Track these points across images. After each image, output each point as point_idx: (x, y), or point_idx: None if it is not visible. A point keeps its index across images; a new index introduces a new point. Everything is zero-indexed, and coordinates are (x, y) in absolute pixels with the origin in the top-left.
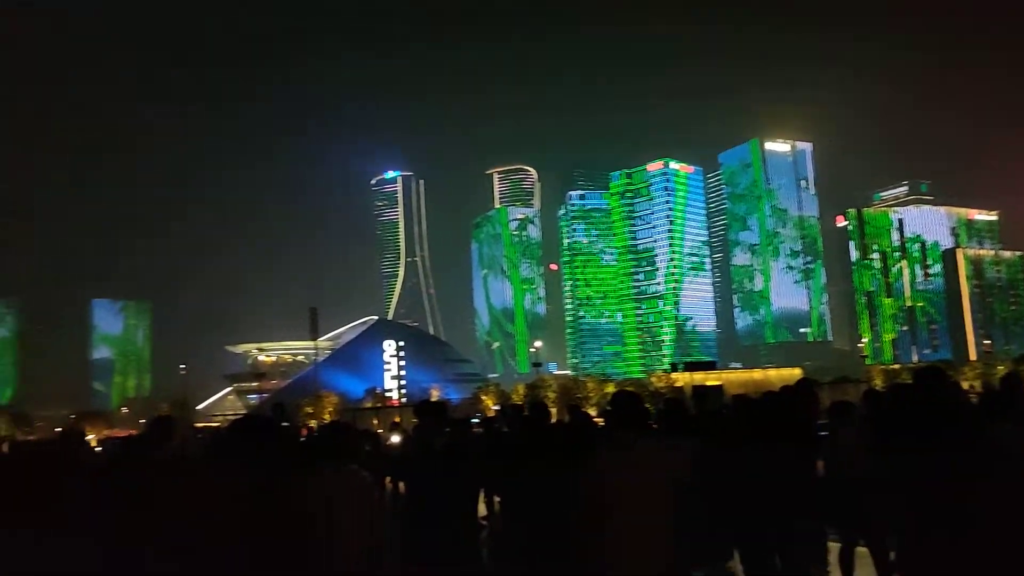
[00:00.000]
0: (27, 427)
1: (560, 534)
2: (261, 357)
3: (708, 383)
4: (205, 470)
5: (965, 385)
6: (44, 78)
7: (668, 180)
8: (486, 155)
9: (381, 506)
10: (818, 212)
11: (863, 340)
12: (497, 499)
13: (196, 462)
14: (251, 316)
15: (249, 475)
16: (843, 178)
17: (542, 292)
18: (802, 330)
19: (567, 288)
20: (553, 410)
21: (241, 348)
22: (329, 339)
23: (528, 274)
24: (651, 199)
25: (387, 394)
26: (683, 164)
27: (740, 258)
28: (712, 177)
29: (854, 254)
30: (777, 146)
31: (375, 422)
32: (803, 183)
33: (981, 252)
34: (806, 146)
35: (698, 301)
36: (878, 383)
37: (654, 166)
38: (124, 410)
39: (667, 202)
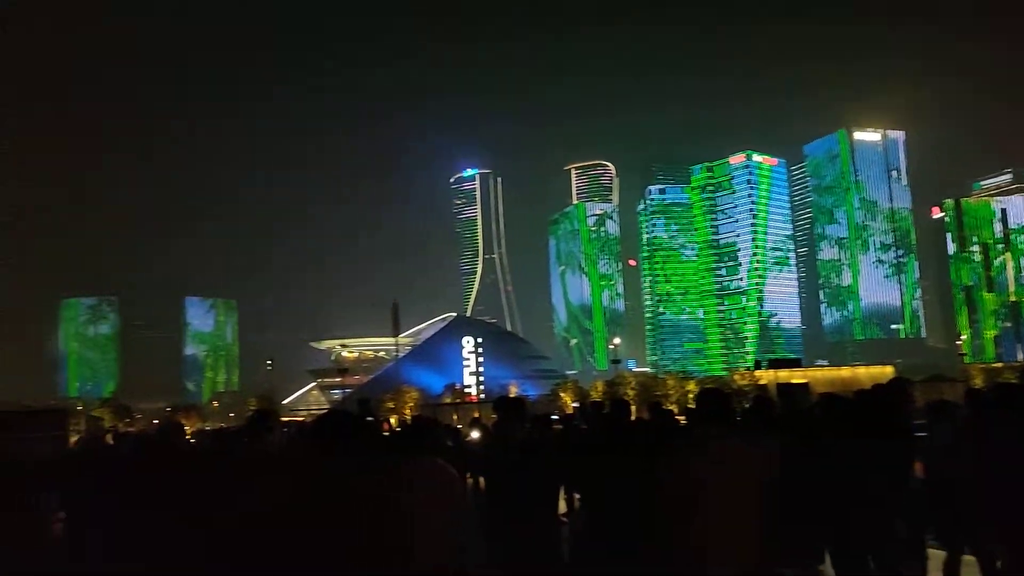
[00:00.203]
0: (128, 419)
1: (644, 532)
2: (344, 353)
3: (793, 381)
4: (303, 463)
5: None
6: (144, 77)
7: (751, 173)
8: (564, 151)
9: (465, 500)
10: (911, 203)
11: (962, 337)
12: (577, 496)
13: (295, 455)
14: (335, 313)
15: (341, 468)
16: (937, 168)
17: (621, 288)
18: (893, 326)
19: (646, 284)
20: (632, 408)
21: (325, 344)
22: (409, 335)
23: (606, 270)
24: (733, 192)
25: (466, 390)
26: (766, 156)
27: (827, 252)
28: (797, 169)
29: (951, 247)
30: (866, 136)
31: (454, 417)
32: (894, 174)
33: None
34: (898, 135)
35: (782, 297)
36: (978, 382)
37: (736, 159)
38: (214, 404)
39: (750, 195)
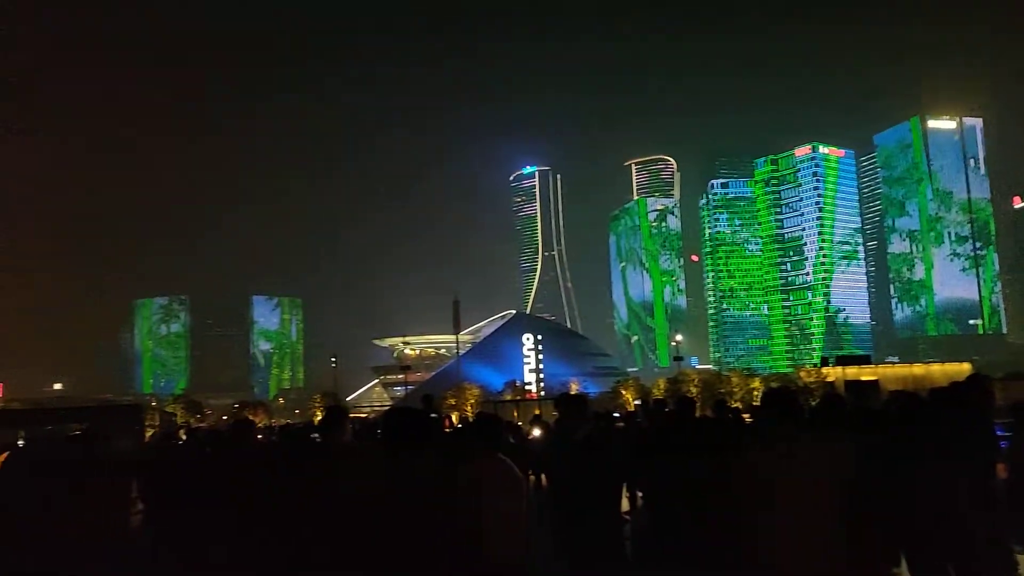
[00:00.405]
0: (199, 415)
1: (712, 532)
2: (406, 350)
3: (863, 378)
4: (374, 458)
5: None
6: (213, 77)
7: (817, 165)
8: (624, 146)
9: (528, 497)
10: (989, 194)
11: None
12: (640, 494)
13: (368, 450)
14: (397, 311)
15: (414, 465)
16: (1018, 156)
17: (683, 284)
18: (971, 322)
19: (709, 280)
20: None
21: (387, 342)
22: (469, 333)
23: (668, 266)
24: (798, 185)
25: (526, 387)
26: (833, 148)
27: (897, 245)
28: (866, 160)
29: None
30: (941, 123)
31: (515, 415)
32: (972, 163)
33: None
34: (975, 122)
35: (851, 292)
36: None
37: (802, 151)
38: (280, 401)
39: (816, 188)
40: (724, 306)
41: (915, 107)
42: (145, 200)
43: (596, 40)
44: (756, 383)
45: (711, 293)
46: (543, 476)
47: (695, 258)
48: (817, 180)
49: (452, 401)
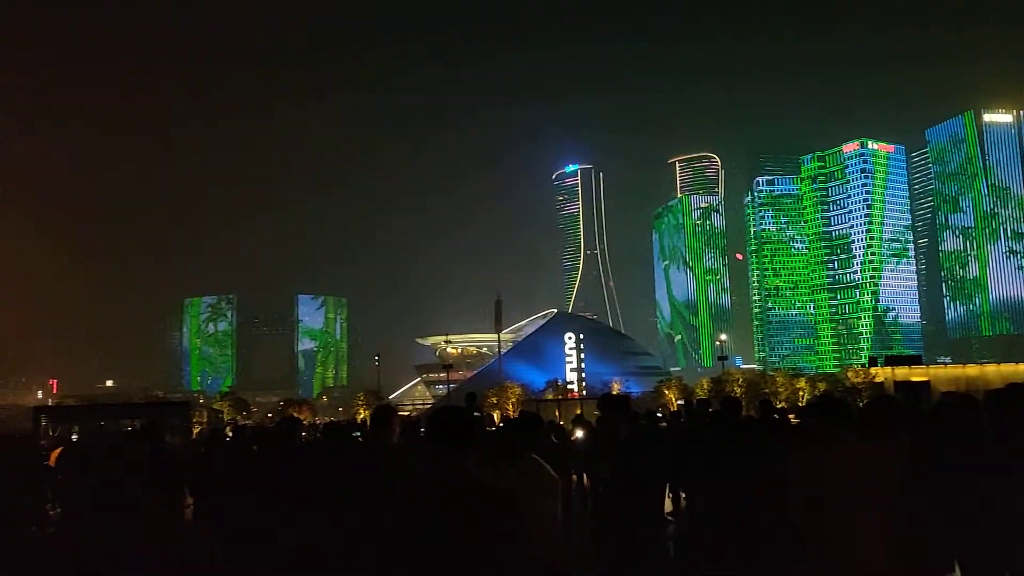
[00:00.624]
0: (245, 412)
1: (756, 532)
2: (448, 349)
3: (913, 379)
4: (418, 458)
5: None
6: (255, 77)
7: (866, 161)
8: (667, 144)
9: (561, 497)
10: None
11: None
12: (683, 495)
13: (412, 450)
14: (439, 309)
15: (453, 463)
16: None
17: (727, 283)
18: None
19: (754, 278)
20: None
21: (430, 340)
22: (511, 331)
23: (712, 264)
24: (846, 182)
25: (568, 386)
26: (883, 143)
27: (950, 243)
28: (917, 155)
29: None
30: (997, 117)
31: (556, 414)
32: None
33: None
34: None
35: (900, 290)
36: None
37: (850, 147)
38: (324, 399)
39: (864, 185)
40: (769, 305)
41: (967, 101)
42: (195, 200)
43: (640, 38)
44: (802, 383)
45: (756, 292)
46: (585, 476)
47: (740, 256)
48: (866, 176)
49: (494, 400)
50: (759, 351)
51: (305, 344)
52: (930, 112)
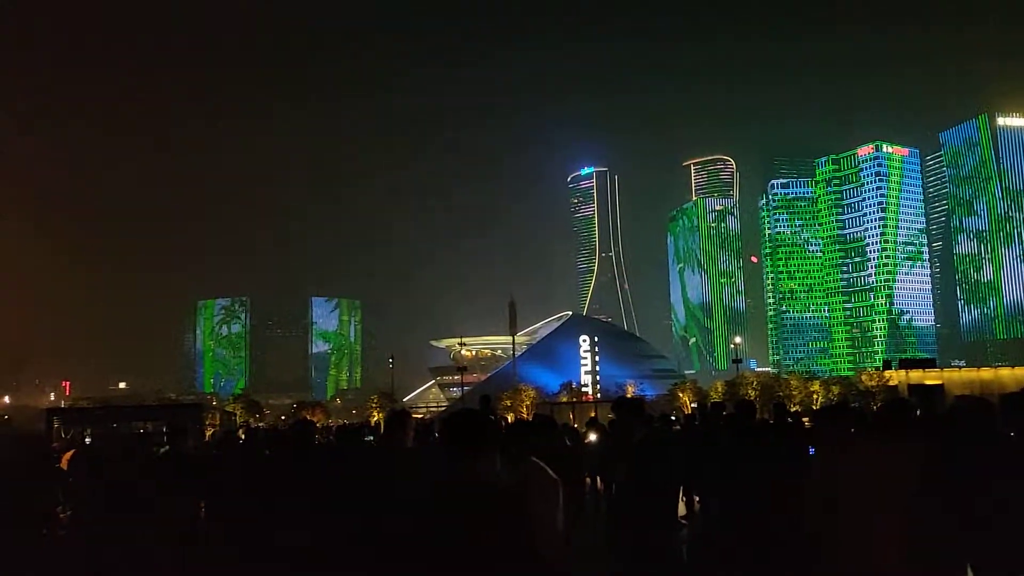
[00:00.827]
0: (258, 414)
1: (772, 536)
2: (462, 351)
3: (927, 382)
4: (429, 462)
5: None
6: (266, 78)
7: (880, 164)
8: (682, 147)
9: (562, 500)
10: None
11: None
12: (697, 498)
13: (424, 454)
14: (454, 311)
15: (468, 464)
16: None
17: (742, 286)
18: None
19: (769, 281)
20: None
21: (444, 343)
22: (526, 334)
23: (727, 267)
24: (861, 185)
25: (582, 389)
26: (897, 147)
27: (965, 246)
28: (932, 159)
29: None
30: (1011, 120)
31: (571, 416)
32: None
33: None
34: None
35: (915, 293)
36: None
37: (865, 150)
38: (337, 401)
39: (879, 188)
40: (784, 308)
41: (982, 104)
42: (209, 202)
43: (656, 41)
44: (816, 386)
45: (771, 295)
46: (599, 479)
47: (754, 259)
48: (880, 180)
49: (508, 402)
50: (773, 354)
51: (319, 346)
52: (945, 115)
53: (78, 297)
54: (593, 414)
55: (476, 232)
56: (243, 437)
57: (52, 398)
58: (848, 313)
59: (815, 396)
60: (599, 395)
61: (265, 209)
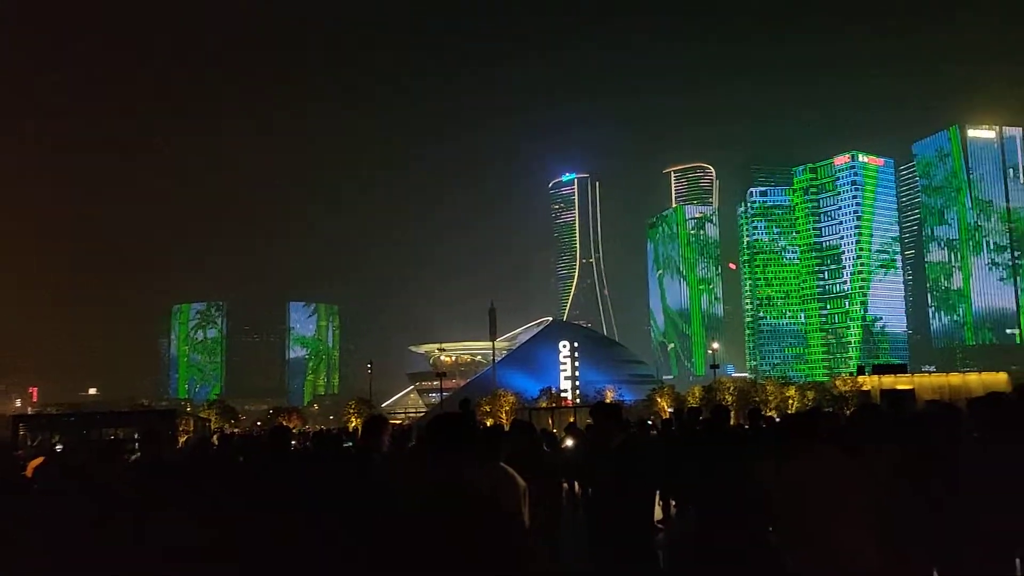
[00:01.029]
0: (233, 420)
1: (746, 539)
2: (442, 357)
3: (898, 387)
4: (405, 467)
5: None
6: (247, 85)
7: (856, 174)
8: (663, 154)
9: (525, 506)
10: None
11: None
12: (673, 502)
13: (400, 459)
14: (433, 317)
15: (454, 472)
16: None
17: (720, 292)
18: (1009, 331)
19: (747, 288)
20: (732, 414)
21: (423, 348)
22: (505, 339)
23: (705, 274)
24: (837, 194)
25: (562, 394)
26: (872, 156)
27: (936, 254)
28: (905, 169)
29: None
30: (981, 133)
31: (550, 422)
32: (1011, 172)
33: None
34: (1015, 131)
35: (888, 300)
36: None
37: (841, 159)
38: (315, 407)
39: (855, 197)
40: (761, 314)
41: (954, 116)
42: (184, 206)
43: (636, 47)
44: (791, 391)
45: (748, 301)
46: (576, 484)
47: (733, 266)
48: (856, 189)
49: (487, 408)
50: (751, 360)
51: (296, 352)
52: (919, 127)
53: (48, 301)
54: (572, 419)
55: (456, 238)
56: (216, 443)
57: (18, 404)
58: (824, 319)
59: (790, 401)
60: (579, 400)
61: (243, 213)
